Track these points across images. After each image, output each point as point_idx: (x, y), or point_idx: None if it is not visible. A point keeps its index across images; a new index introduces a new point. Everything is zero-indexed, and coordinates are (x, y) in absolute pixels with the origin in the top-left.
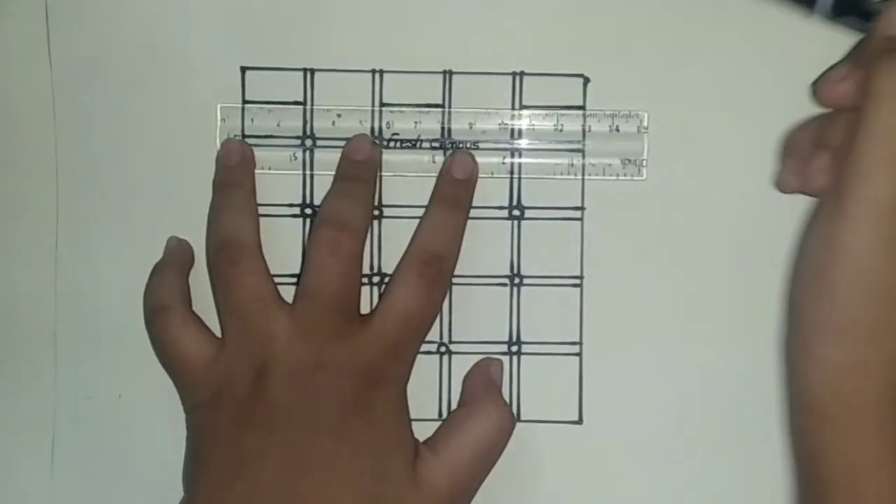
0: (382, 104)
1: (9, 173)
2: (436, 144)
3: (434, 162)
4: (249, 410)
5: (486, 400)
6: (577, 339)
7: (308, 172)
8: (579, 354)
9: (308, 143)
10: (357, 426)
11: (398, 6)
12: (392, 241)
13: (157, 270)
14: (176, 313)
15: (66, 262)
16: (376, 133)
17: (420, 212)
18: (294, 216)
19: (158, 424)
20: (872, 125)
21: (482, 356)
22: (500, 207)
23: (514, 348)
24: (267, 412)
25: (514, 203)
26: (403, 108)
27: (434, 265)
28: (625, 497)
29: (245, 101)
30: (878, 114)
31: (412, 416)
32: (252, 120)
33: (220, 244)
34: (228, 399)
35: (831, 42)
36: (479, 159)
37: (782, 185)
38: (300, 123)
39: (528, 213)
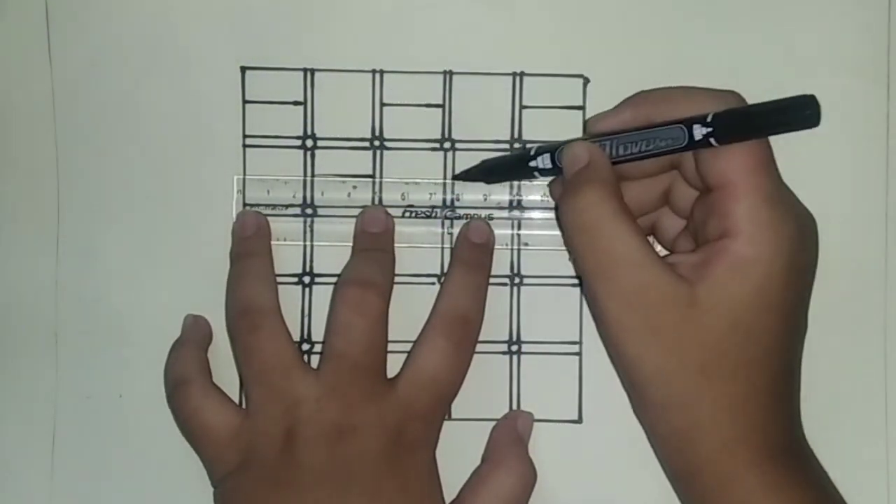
0: (382, 104)
1: (9, 173)
2: (449, 214)
3: (449, 233)
4: (280, 474)
5: (510, 455)
6: (577, 339)
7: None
8: (579, 354)
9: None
10: (391, 489)
11: (398, 6)
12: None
13: (174, 348)
14: (196, 384)
15: (67, 262)
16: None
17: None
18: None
19: (158, 424)
20: None
21: (482, 355)
22: (501, 207)
23: (514, 348)
24: (298, 475)
25: (515, 204)
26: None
27: (460, 327)
28: (625, 497)
29: (245, 101)
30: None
31: None
32: (268, 192)
33: (240, 310)
34: (257, 465)
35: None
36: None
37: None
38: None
39: (528, 213)
